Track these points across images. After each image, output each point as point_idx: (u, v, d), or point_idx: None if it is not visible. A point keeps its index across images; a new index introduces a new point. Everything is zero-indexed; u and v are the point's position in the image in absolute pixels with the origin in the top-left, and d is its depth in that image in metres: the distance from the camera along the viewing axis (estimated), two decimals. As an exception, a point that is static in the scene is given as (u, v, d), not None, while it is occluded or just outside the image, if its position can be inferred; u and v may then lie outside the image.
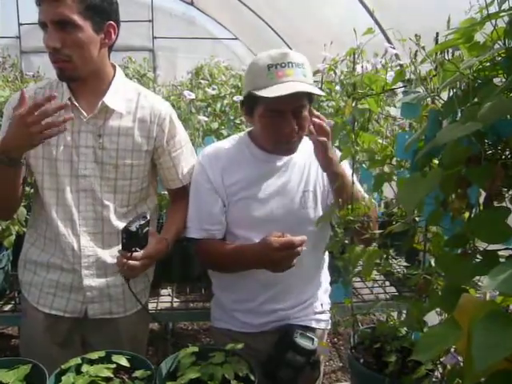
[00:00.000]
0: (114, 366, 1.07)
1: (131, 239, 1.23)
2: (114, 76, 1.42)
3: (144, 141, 1.42)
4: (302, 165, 1.51)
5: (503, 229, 0.53)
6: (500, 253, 0.63)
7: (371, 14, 2.90)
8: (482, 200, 0.64)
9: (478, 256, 0.63)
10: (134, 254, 1.26)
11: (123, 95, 1.41)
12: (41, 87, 1.42)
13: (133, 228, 1.21)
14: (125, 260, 1.25)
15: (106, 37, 1.32)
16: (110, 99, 1.37)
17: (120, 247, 1.26)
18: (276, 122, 1.37)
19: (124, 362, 1.10)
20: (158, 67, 5.46)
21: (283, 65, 1.32)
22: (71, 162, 1.37)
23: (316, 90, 1.36)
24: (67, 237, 1.40)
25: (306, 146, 1.52)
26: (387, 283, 2.04)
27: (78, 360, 1.10)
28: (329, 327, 1.63)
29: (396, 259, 2.08)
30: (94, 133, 1.37)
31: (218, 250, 1.48)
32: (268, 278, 1.48)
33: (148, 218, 1.25)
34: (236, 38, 6.47)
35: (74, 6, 1.23)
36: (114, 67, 1.44)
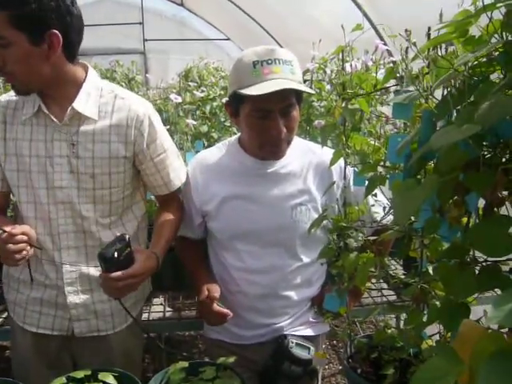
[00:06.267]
0: (100, 385, 1.03)
1: (109, 264, 1.16)
2: (85, 79, 1.31)
3: (121, 146, 1.32)
4: (297, 175, 1.42)
5: (505, 241, 0.48)
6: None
7: (363, 12, 2.86)
8: (481, 207, 0.60)
9: (477, 268, 0.59)
10: (115, 274, 1.17)
11: (96, 99, 1.31)
12: (13, 95, 1.32)
13: (108, 254, 1.14)
14: (107, 282, 1.18)
15: (50, 48, 1.19)
16: (81, 104, 1.27)
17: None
18: (262, 122, 1.29)
19: (111, 380, 1.06)
20: (149, 70, 5.40)
21: (269, 61, 1.24)
22: (46, 174, 1.30)
23: (306, 88, 1.29)
24: (48, 251, 1.33)
25: (303, 155, 1.45)
26: (385, 287, 1.99)
27: (63, 380, 1.05)
28: (327, 329, 1.58)
29: (394, 267, 2.05)
30: (67, 141, 1.28)
31: (184, 253, 1.59)
32: (259, 293, 1.44)
33: (127, 239, 1.18)
34: (228, 39, 6.41)
35: (3, 21, 1.12)
36: (85, 68, 1.33)
